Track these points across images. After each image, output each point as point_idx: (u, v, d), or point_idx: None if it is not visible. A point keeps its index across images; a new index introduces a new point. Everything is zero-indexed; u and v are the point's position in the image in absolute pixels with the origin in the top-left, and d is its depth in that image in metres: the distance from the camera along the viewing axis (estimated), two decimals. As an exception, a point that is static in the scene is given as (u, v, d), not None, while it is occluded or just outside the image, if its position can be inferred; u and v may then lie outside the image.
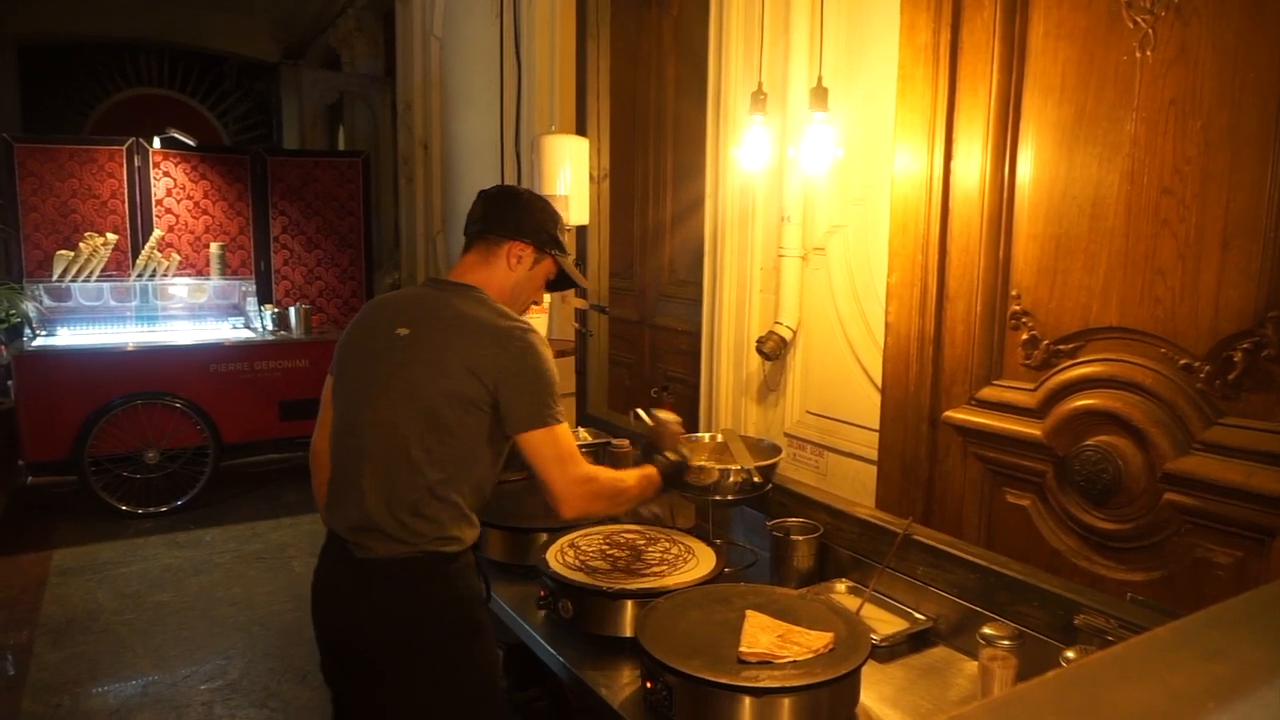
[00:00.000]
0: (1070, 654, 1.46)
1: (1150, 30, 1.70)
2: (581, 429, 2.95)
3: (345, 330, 1.84)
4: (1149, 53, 1.71)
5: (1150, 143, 1.71)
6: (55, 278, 5.42)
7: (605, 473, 1.76)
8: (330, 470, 1.75)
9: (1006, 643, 1.51)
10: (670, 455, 1.94)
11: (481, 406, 1.65)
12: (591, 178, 3.84)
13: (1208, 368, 1.65)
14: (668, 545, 2.02)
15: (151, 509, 5.09)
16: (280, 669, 3.42)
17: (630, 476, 1.83)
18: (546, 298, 2.58)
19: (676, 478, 1.93)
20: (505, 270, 1.81)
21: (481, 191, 1.89)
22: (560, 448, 1.66)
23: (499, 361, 1.64)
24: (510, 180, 4.37)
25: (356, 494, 1.66)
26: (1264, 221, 1.56)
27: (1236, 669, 0.61)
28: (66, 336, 5.29)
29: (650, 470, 1.88)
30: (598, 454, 2.74)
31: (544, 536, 2.08)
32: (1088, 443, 1.85)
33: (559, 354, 2.96)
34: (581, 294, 2.03)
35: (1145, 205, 1.73)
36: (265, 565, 4.47)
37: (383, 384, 1.68)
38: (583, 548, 2.01)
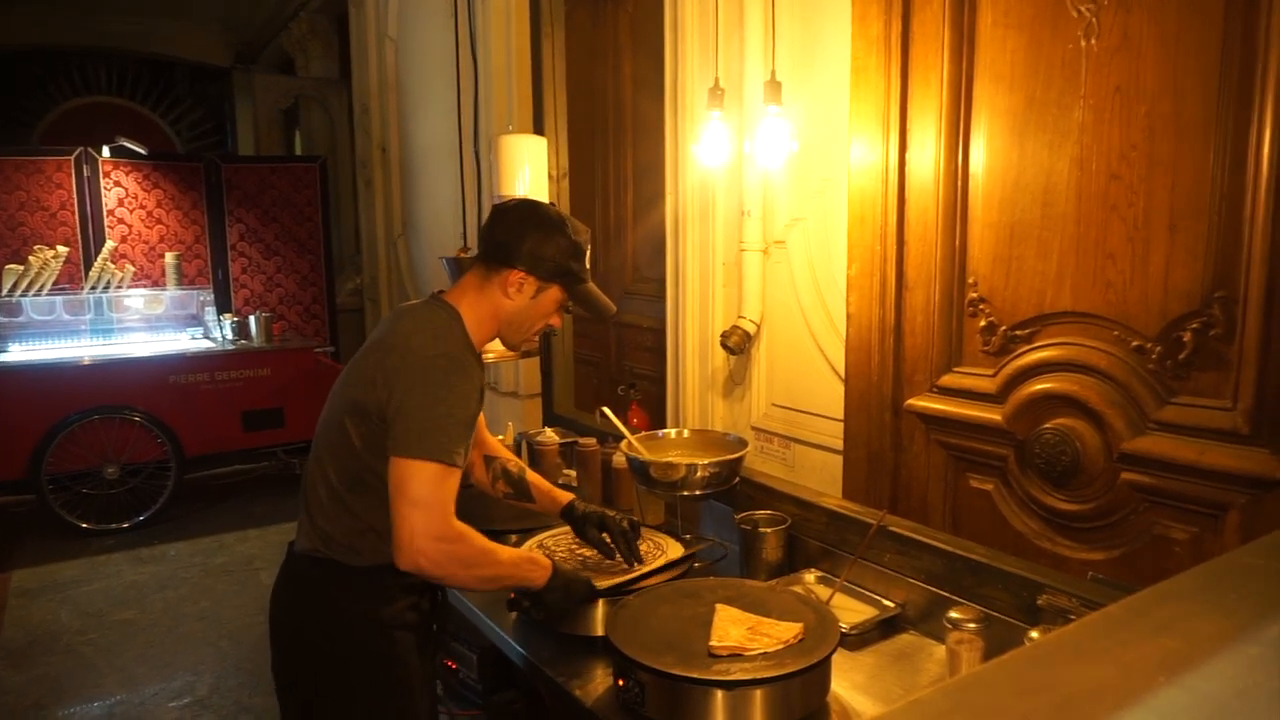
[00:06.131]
0: (1034, 634, 1.48)
1: (1094, 19, 1.73)
2: (548, 429, 2.94)
3: None
4: (1093, 41, 1.74)
5: (1097, 129, 1.74)
6: (5, 292, 5.28)
7: (476, 538, 1.53)
8: None
9: (973, 626, 1.53)
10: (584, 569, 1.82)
11: (373, 417, 1.52)
12: (551, 176, 3.82)
13: (1159, 348, 1.69)
14: (637, 542, 2.02)
15: (113, 525, 4.98)
16: (250, 683, 3.37)
17: (506, 554, 1.60)
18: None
19: (568, 595, 1.68)
20: (502, 297, 1.64)
21: (495, 205, 1.72)
22: (421, 489, 1.45)
23: (401, 375, 1.51)
24: (469, 181, 4.33)
25: (305, 493, 1.69)
26: (1208, 203, 1.59)
27: (1186, 642, 0.62)
28: (18, 352, 5.16)
29: (539, 559, 1.68)
30: (565, 453, 2.73)
31: (513, 538, 2.07)
32: (1046, 426, 1.88)
33: (524, 354, 2.94)
34: (607, 317, 1.81)
35: (1094, 191, 1.76)
36: (232, 578, 4.40)
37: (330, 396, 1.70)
38: (551, 548, 2.00)
